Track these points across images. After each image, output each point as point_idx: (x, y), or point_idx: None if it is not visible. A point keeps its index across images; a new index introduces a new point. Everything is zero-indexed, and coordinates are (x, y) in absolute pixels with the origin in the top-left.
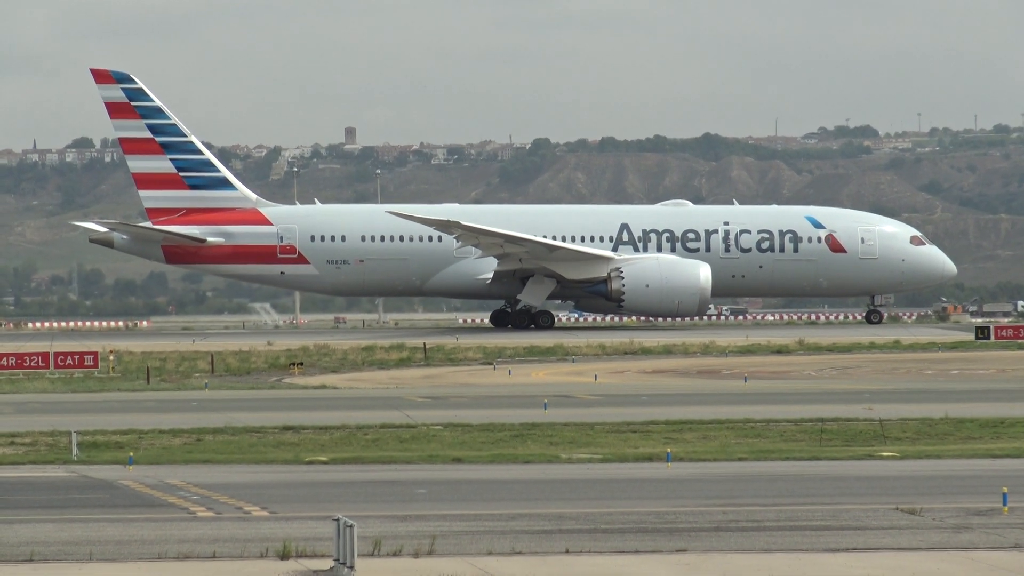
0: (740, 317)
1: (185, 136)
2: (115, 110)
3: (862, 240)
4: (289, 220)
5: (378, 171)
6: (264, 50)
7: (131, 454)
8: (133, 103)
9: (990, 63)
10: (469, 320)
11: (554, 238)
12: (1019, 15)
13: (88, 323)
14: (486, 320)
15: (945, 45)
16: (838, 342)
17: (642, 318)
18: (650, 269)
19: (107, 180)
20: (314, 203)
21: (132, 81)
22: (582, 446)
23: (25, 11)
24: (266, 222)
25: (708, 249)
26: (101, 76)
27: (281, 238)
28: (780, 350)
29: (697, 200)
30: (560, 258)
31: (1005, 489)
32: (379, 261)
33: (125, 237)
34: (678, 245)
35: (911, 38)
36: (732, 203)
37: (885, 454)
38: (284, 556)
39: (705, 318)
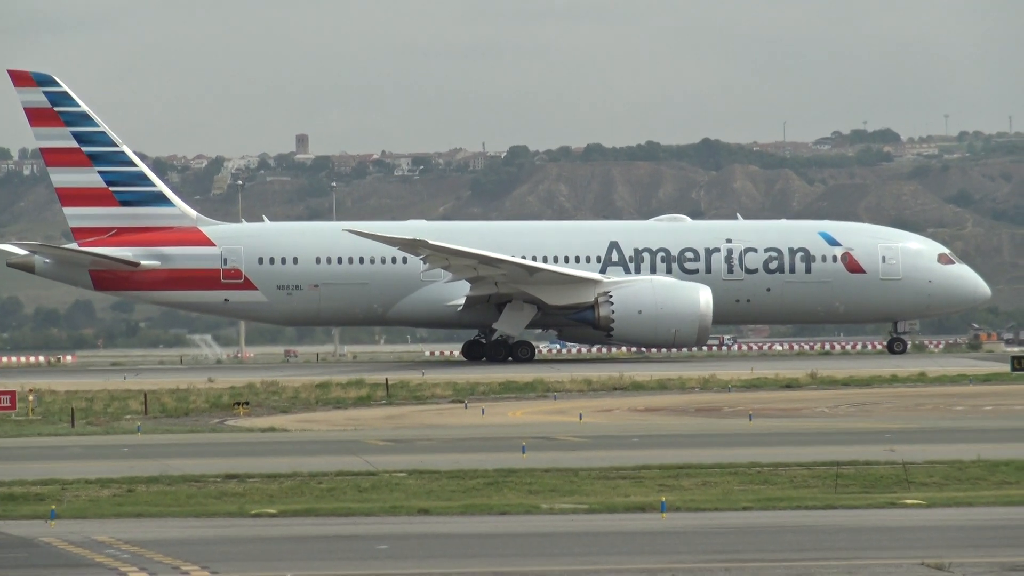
0: (730, 347)
1: (115, 146)
2: (36, 116)
3: (883, 259)
4: (234, 240)
5: (334, 184)
6: (204, 48)
7: (53, 507)
8: (56, 108)
9: None
10: (437, 352)
11: (534, 259)
12: None
13: (4, 358)
14: (457, 352)
15: (974, 38)
16: (856, 375)
17: (634, 349)
18: (643, 293)
19: (26, 196)
20: (262, 220)
21: (55, 84)
22: (565, 495)
23: None
24: (208, 243)
25: (708, 270)
26: (20, 78)
27: (225, 261)
28: (790, 384)
29: (695, 214)
30: (541, 281)
31: None
32: (336, 286)
33: (47, 261)
34: (674, 266)
35: (936, 31)
36: (735, 217)
37: (909, 502)
38: None
39: (705, 348)
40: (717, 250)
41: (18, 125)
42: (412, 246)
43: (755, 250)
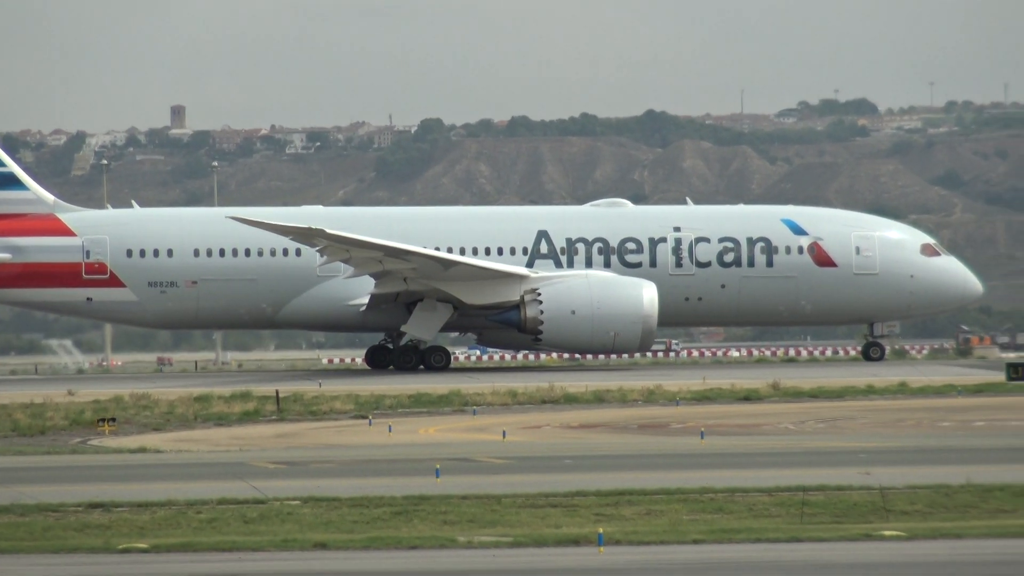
0: (678, 353)
1: None
2: None
3: (857, 250)
4: (98, 229)
5: (215, 163)
6: (61, 4)
7: None
8: None
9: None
10: (337, 360)
11: (449, 250)
12: None
13: None
14: (359, 360)
15: None
16: (825, 385)
17: (566, 355)
18: (577, 291)
19: None
20: (131, 206)
21: None
22: (486, 526)
23: None
24: (67, 232)
25: (653, 264)
26: None
27: (88, 253)
28: (748, 396)
29: (638, 199)
30: (457, 277)
31: None
32: (217, 283)
33: None
34: (614, 258)
35: None
36: (685, 202)
37: (888, 533)
38: None
39: (650, 354)
40: (663, 240)
41: None
42: (307, 236)
43: (708, 240)
